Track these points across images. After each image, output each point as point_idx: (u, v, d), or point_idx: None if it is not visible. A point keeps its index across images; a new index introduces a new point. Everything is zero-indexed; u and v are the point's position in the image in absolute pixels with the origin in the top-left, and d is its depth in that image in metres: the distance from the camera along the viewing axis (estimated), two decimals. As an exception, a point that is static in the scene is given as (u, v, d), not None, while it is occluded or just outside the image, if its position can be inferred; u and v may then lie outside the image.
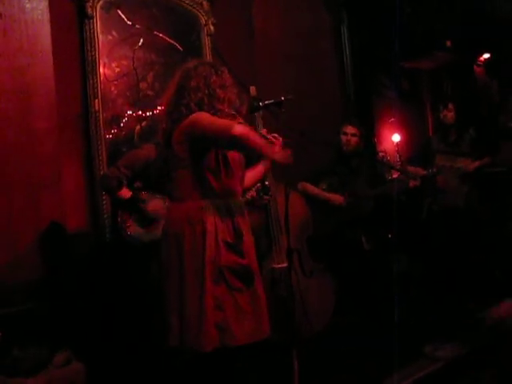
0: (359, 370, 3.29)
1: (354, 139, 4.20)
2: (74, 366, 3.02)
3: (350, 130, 4.21)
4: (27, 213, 3.39)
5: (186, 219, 2.36)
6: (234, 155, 2.45)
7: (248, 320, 2.36)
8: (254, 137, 2.32)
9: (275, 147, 2.48)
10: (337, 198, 4.13)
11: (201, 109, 2.39)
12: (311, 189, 4.19)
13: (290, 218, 2.74)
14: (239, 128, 2.24)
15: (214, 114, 2.39)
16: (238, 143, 2.28)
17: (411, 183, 4.28)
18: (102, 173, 3.65)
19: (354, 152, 4.22)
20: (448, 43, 5.47)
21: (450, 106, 4.56)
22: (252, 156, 2.63)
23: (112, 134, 3.84)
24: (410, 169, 4.69)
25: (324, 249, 3.85)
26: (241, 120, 2.44)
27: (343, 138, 4.20)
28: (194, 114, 2.37)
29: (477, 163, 4.46)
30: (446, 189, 4.50)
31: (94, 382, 3.05)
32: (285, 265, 3.21)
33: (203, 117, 2.36)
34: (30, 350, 2.95)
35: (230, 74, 2.54)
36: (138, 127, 3.70)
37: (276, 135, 2.56)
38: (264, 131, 2.68)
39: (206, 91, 2.41)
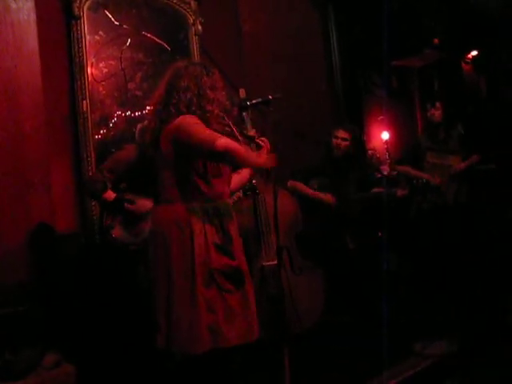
0: (349, 368, 3.30)
1: (344, 143, 4.21)
2: (64, 368, 3.01)
3: (341, 134, 4.22)
4: (16, 214, 3.37)
5: (174, 221, 2.35)
6: None
7: (239, 321, 2.36)
8: (239, 151, 2.30)
9: (261, 153, 2.46)
10: (328, 198, 4.14)
11: (189, 109, 2.38)
12: (301, 187, 4.19)
13: (279, 215, 2.75)
14: (222, 143, 2.22)
15: (202, 115, 2.38)
16: (221, 157, 2.29)
17: (399, 192, 4.32)
18: (89, 175, 3.63)
19: (344, 155, 4.24)
20: (436, 41, 5.49)
21: (438, 104, 4.57)
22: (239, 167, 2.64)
23: (101, 134, 3.82)
24: (400, 168, 4.71)
25: (312, 246, 3.87)
26: (233, 127, 2.45)
27: (334, 141, 4.22)
28: (180, 117, 2.35)
29: (464, 163, 4.48)
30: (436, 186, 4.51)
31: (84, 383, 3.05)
32: (274, 262, 3.22)
33: (189, 123, 2.33)
34: (22, 353, 2.94)
35: (220, 76, 2.53)
36: (139, 125, 3.68)
37: (264, 139, 2.55)
38: (253, 132, 2.68)
39: (196, 91, 2.40)
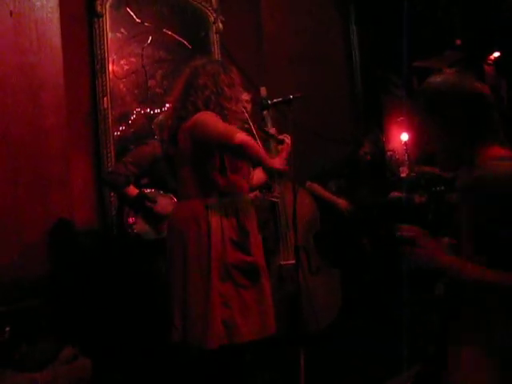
0: (364, 371, 3.28)
1: (369, 156, 4.22)
2: (80, 362, 3.03)
3: (371, 149, 4.22)
4: (35, 209, 3.40)
5: (192, 217, 2.37)
6: None
7: (254, 317, 2.37)
8: (255, 147, 2.35)
9: (279, 157, 2.48)
10: (343, 204, 4.13)
11: (207, 107, 2.39)
12: (319, 190, 4.19)
13: (297, 215, 2.75)
14: (241, 137, 2.26)
15: (220, 113, 2.39)
16: (238, 152, 2.32)
17: (417, 199, 4.29)
18: (112, 167, 3.65)
19: (367, 162, 4.25)
20: (458, 42, 5.43)
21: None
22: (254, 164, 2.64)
23: (120, 131, 3.85)
24: (426, 169, 4.67)
25: (330, 246, 3.85)
26: (251, 124, 2.46)
27: (362, 151, 4.22)
28: (199, 114, 2.37)
29: None
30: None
31: (100, 377, 3.07)
32: (292, 261, 3.21)
33: (207, 118, 2.36)
34: (38, 346, 2.96)
35: (237, 73, 2.54)
36: (155, 120, 3.71)
37: (286, 135, 2.56)
38: (273, 130, 2.69)
39: (214, 89, 2.41)
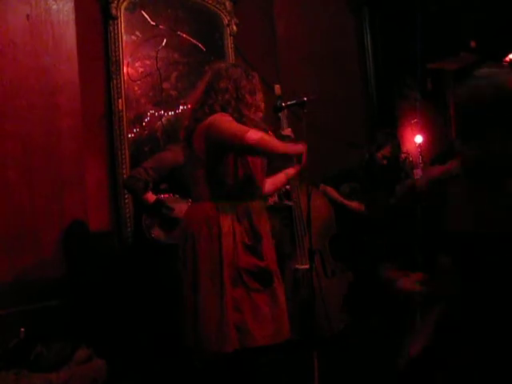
0: (379, 375, 3.26)
1: (386, 160, 4.22)
2: (95, 363, 3.05)
3: (387, 153, 4.21)
4: (50, 211, 3.44)
5: (203, 219, 2.35)
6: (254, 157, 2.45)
7: (267, 322, 2.34)
8: (270, 142, 2.31)
9: (296, 145, 2.45)
10: (356, 207, 4.12)
11: (225, 111, 2.38)
12: (331, 192, 4.18)
13: (312, 218, 2.73)
14: (253, 135, 2.24)
15: (239, 119, 2.38)
16: (253, 150, 2.30)
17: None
18: (124, 174, 3.66)
19: (382, 166, 4.24)
20: (473, 43, 5.39)
21: (474, 107, 4.48)
22: (272, 160, 2.62)
23: (134, 133, 3.87)
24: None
25: (345, 249, 3.84)
26: (269, 131, 2.44)
27: (379, 157, 4.21)
28: (214, 115, 2.36)
29: None
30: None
31: (114, 378, 3.08)
32: (307, 266, 3.20)
33: (222, 119, 2.34)
34: (53, 346, 2.98)
35: (259, 80, 2.52)
36: (159, 123, 3.73)
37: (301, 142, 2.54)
38: (289, 131, 2.67)
39: (234, 94, 2.40)
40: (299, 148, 2.42)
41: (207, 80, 2.47)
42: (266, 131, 2.42)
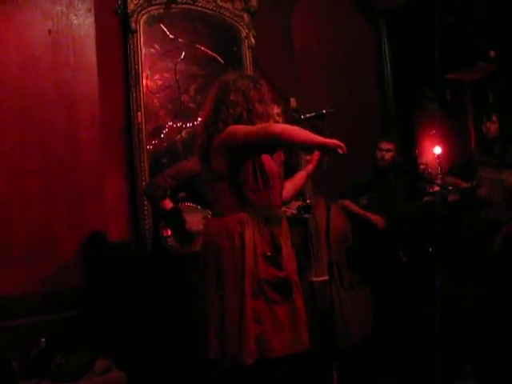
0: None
1: (388, 154, 4.22)
2: (114, 374, 3.06)
3: (384, 145, 4.22)
4: (70, 222, 3.48)
5: (226, 233, 2.35)
6: (271, 167, 2.44)
7: (287, 331, 2.34)
8: (296, 130, 2.27)
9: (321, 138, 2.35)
10: (378, 220, 4.10)
11: (239, 124, 2.38)
12: (351, 206, 4.17)
13: (330, 230, 2.72)
14: (278, 126, 2.25)
15: None
16: (281, 141, 2.25)
17: (450, 197, 4.24)
18: (143, 185, 3.70)
19: (389, 166, 4.22)
20: (492, 53, 5.36)
21: (494, 117, 4.45)
22: (306, 149, 2.54)
23: (153, 144, 3.90)
24: (449, 179, 4.61)
25: (363, 261, 3.82)
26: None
27: (378, 153, 4.23)
28: (229, 127, 2.36)
29: None
30: (488, 201, 4.38)
31: (133, 390, 3.09)
32: (325, 278, 3.19)
33: (238, 127, 2.34)
34: (73, 357, 3.00)
35: (268, 88, 2.52)
36: (178, 136, 3.76)
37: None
38: None
39: (245, 106, 2.39)
40: (325, 138, 2.29)
41: (215, 94, 2.46)
42: None
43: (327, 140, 2.28)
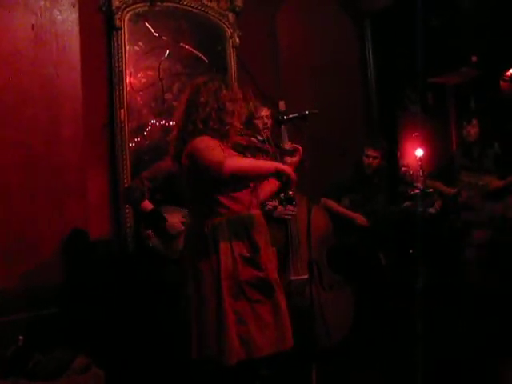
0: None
1: (375, 161, 4.26)
2: (93, 372, 3.03)
3: (371, 152, 4.25)
4: (52, 219, 3.45)
5: (200, 236, 2.38)
6: None
7: (270, 330, 2.36)
8: (248, 166, 2.34)
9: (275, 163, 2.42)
10: (360, 219, 4.13)
11: (207, 124, 2.38)
12: (334, 206, 4.19)
13: (311, 229, 2.74)
14: (229, 164, 2.23)
15: (221, 128, 2.39)
16: (232, 179, 2.30)
17: (431, 210, 4.31)
18: (125, 183, 3.69)
19: (375, 172, 4.26)
20: (474, 58, 5.43)
21: (474, 121, 4.51)
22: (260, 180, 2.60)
23: (136, 142, 3.88)
24: (430, 183, 4.65)
25: (343, 262, 3.85)
26: (252, 139, 2.45)
27: (365, 160, 4.25)
28: (194, 140, 2.35)
29: (500, 183, 4.40)
30: (468, 204, 4.44)
31: (112, 388, 3.08)
32: (304, 277, 3.21)
33: (199, 147, 2.32)
34: (52, 355, 2.98)
35: (239, 89, 2.53)
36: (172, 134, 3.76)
37: (297, 146, 2.56)
38: (288, 144, 2.69)
39: (215, 105, 2.41)
40: (285, 167, 2.36)
41: (187, 97, 2.48)
42: (251, 136, 2.44)
43: (279, 166, 2.35)
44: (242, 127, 2.49)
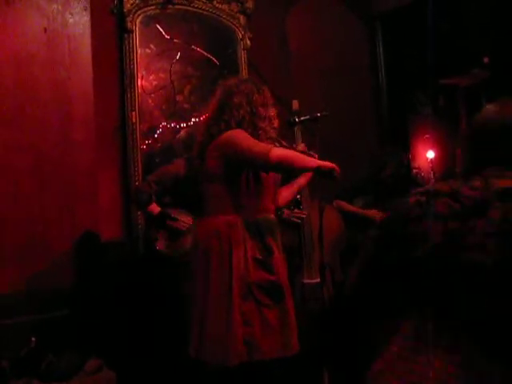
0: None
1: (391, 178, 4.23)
2: (105, 374, 3.05)
3: (389, 171, 4.22)
4: (62, 221, 3.46)
5: (215, 234, 2.37)
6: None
7: (276, 335, 2.35)
8: (294, 156, 2.30)
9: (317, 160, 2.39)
10: (375, 214, 4.10)
11: (240, 126, 2.39)
12: (348, 207, 4.17)
13: (324, 232, 2.72)
14: (276, 153, 2.24)
15: (254, 132, 2.39)
16: (277, 168, 2.31)
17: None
18: (138, 183, 3.70)
19: (391, 177, 4.24)
20: (486, 60, 5.39)
21: (485, 123, 4.47)
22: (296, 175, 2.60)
23: (147, 145, 3.90)
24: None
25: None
26: (282, 142, 2.45)
27: (383, 175, 4.21)
28: (228, 132, 2.37)
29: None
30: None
31: (124, 390, 3.08)
32: (317, 280, 3.19)
33: (240, 136, 2.35)
34: (64, 356, 3.00)
35: (270, 93, 2.54)
36: (178, 136, 3.77)
37: (312, 153, 2.55)
38: (302, 146, 2.69)
39: (248, 109, 2.42)
40: (329, 164, 2.30)
41: (219, 97, 2.50)
42: (278, 141, 2.44)
43: (321, 163, 2.30)
44: (275, 133, 2.48)
